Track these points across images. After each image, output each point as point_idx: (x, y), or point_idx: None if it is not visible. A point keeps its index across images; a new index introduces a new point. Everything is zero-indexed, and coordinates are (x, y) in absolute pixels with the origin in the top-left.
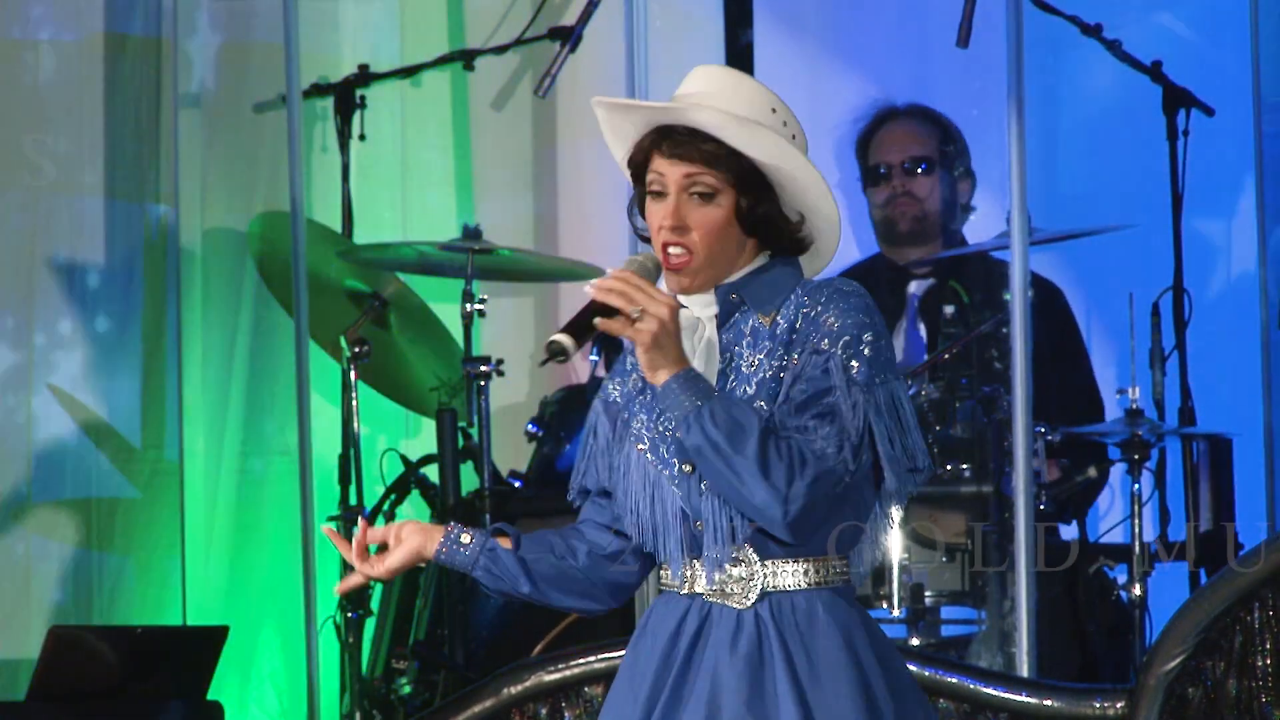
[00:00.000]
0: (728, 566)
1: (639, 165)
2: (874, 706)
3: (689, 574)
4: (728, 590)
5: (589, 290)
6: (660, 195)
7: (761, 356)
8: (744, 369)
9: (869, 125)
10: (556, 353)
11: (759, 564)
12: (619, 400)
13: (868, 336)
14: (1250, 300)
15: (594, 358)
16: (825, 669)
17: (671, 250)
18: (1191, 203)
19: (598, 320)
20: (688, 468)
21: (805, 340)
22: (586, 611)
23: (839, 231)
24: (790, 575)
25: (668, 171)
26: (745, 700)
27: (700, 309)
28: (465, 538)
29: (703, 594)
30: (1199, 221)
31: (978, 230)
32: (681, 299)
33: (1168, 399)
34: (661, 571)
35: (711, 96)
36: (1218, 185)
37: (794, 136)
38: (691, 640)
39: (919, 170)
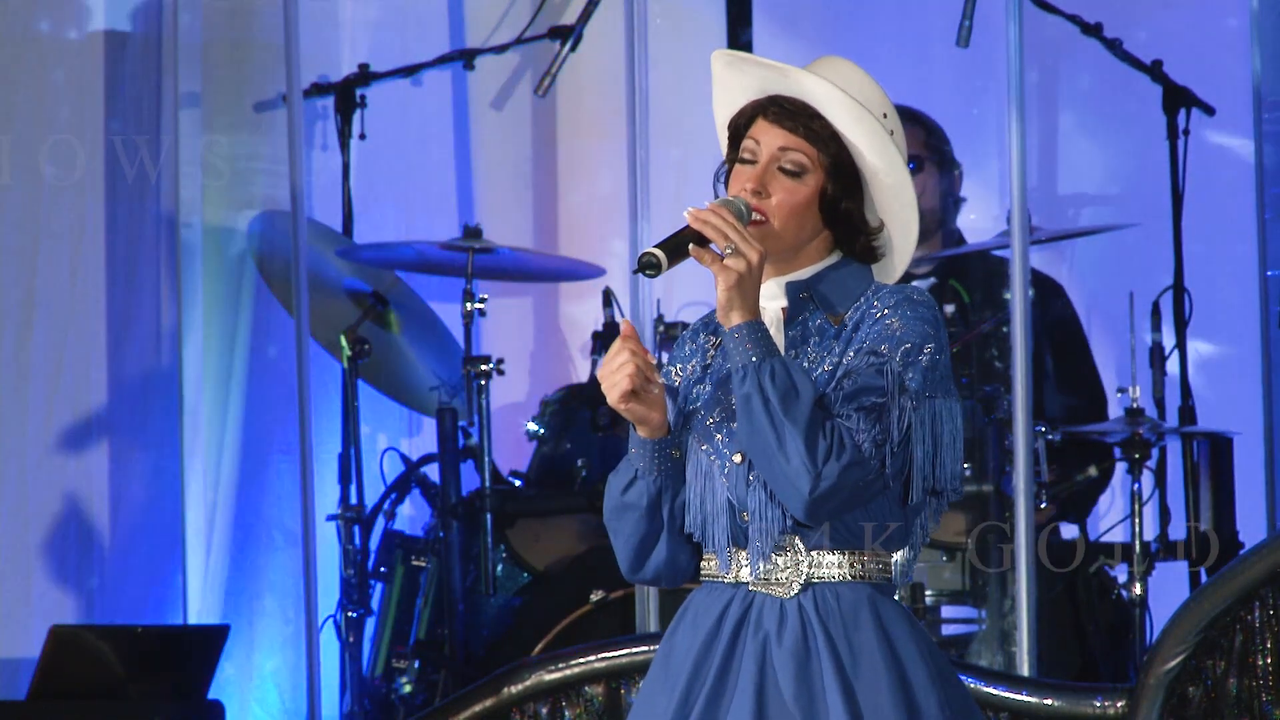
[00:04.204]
0: (773, 556)
1: (738, 130)
2: (911, 698)
3: (734, 563)
4: (772, 579)
5: (686, 215)
6: (750, 163)
7: (824, 355)
8: (805, 366)
9: None
10: (648, 265)
11: (804, 554)
12: (679, 388)
13: (928, 348)
14: (1250, 300)
15: (595, 356)
16: (865, 661)
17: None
18: (1191, 203)
19: (691, 246)
20: (737, 458)
21: (864, 340)
22: (659, 574)
23: (913, 247)
24: (835, 567)
25: (764, 139)
26: (793, 694)
27: (768, 299)
28: (675, 453)
29: (747, 583)
30: (1199, 221)
31: (978, 230)
32: None
33: (1168, 398)
34: (704, 561)
35: (830, 76)
36: (1218, 185)
37: (897, 148)
38: (734, 628)
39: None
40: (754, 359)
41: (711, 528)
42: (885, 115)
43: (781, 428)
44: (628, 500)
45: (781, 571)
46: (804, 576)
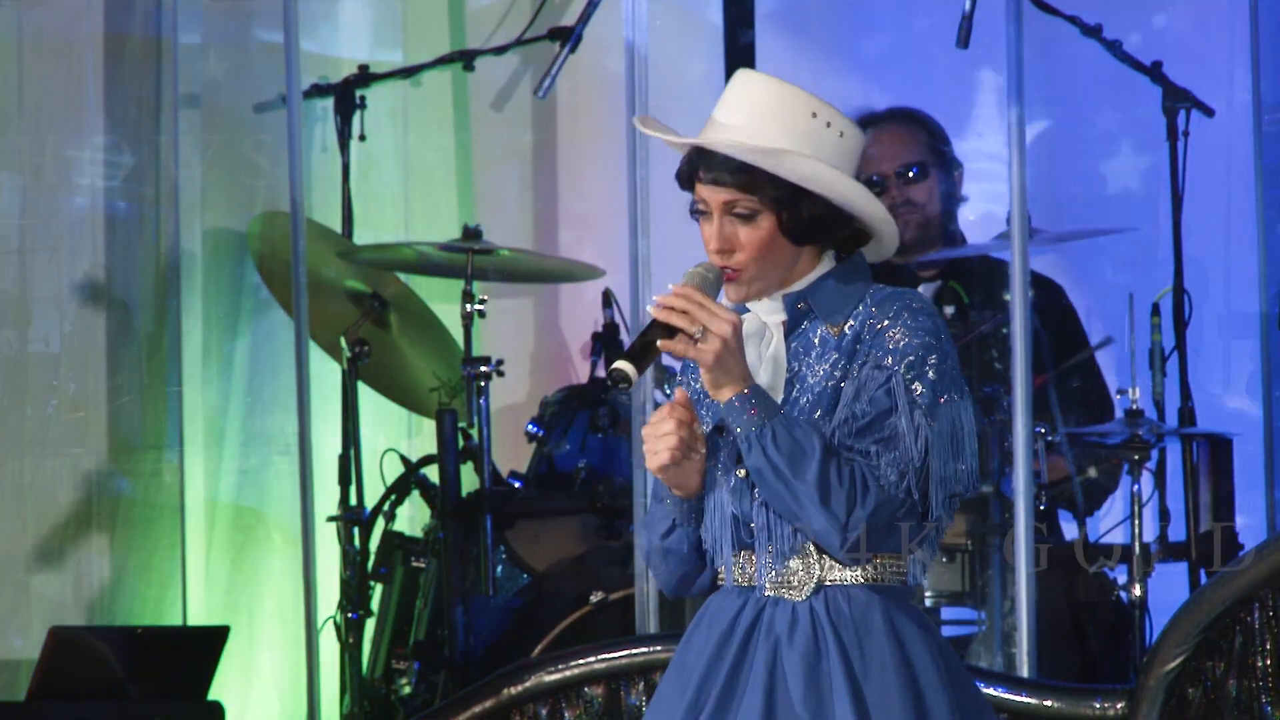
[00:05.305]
0: (786, 560)
1: (685, 181)
2: (921, 701)
3: (745, 568)
4: (786, 583)
5: (650, 310)
6: (706, 215)
7: (825, 367)
8: (809, 379)
9: None
10: (619, 380)
11: (816, 557)
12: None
13: (933, 358)
14: (1250, 300)
15: (594, 356)
16: (875, 663)
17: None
18: (1191, 203)
19: (660, 342)
20: (741, 472)
21: (868, 353)
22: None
23: (895, 227)
24: (848, 570)
25: (709, 196)
26: (801, 696)
27: (767, 315)
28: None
29: (762, 587)
30: (1199, 221)
31: (978, 230)
32: (749, 304)
33: (1168, 399)
34: (720, 566)
35: (742, 114)
36: (1218, 185)
37: (841, 134)
38: (747, 631)
39: (911, 174)
40: (754, 429)
41: (720, 539)
42: (815, 115)
43: (797, 492)
44: (668, 546)
45: (794, 574)
46: (816, 579)
